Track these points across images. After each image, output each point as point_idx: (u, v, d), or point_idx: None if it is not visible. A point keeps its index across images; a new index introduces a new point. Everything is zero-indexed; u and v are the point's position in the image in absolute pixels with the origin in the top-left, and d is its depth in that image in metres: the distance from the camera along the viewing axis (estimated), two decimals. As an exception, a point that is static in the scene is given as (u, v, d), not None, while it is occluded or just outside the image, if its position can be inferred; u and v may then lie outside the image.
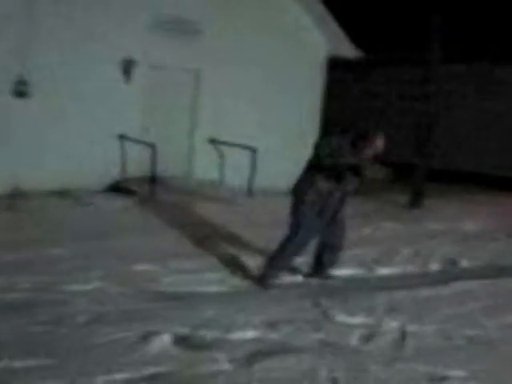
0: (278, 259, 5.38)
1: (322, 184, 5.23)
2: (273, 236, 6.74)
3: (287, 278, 5.62)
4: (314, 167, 5.21)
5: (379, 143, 5.28)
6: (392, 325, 4.53)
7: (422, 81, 10.80)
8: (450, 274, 6.26)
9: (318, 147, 5.22)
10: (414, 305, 5.10)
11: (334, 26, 11.61)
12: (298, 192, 5.31)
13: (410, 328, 4.51)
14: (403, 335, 4.35)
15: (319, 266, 5.64)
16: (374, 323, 4.55)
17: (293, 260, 5.52)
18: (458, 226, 8.75)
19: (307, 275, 5.68)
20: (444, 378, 3.67)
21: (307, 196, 5.24)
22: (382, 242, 7.38)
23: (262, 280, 5.36)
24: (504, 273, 6.38)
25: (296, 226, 5.31)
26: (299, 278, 5.67)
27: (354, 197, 9.37)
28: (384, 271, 6.17)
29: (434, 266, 6.50)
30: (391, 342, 4.23)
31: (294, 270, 5.71)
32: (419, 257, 6.77)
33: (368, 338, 4.25)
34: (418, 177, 10.37)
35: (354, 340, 4.20)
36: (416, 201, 10.24)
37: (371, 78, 17.12)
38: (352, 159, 5.15)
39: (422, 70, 10.82)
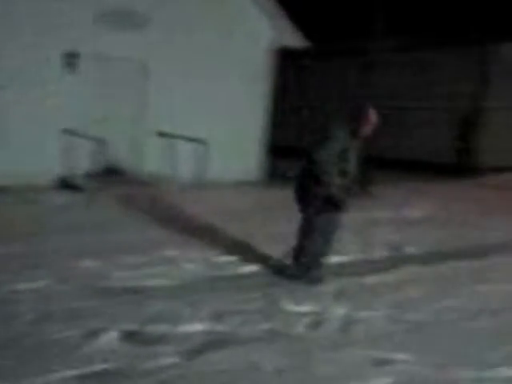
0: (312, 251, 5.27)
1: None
2: (224, 228, 6.81)
3: (236, 270, 5.67)
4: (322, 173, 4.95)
5: (373, 116, 5.12)
6: (339, 312, 4.64)
7: (364, 69, 10.96)
8: (396, 260, 6.40)
9: (322, 154, 4.90)
10: (361, 291, 5.22)
11: (281, 17, 11.66)
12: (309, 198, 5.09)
13: (357, 314, 4.62)
14: (350, 321, 4.46)
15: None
16: (321, 311, 4.64)
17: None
18: (403, 213, 8.95)
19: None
20: (388, 362, 3.79)
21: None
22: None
23: (310, 276, 5.28)
24: (447, 258, 6.57)
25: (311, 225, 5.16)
26: (247, 269, 5.72)
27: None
28: (332, 259, 6.27)
29: (380, 253, 6.64)
30: (338, 328, 4.33)
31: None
32: (366, 244, 6.90)
33: (315, 326, 4.34)
34: (365, 165, 10.50)
35: (301, 328, 4.28)
36: (363, 189, 10.39)
37: (318, 68, 17.30)
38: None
39: (366, 59, 10.97)
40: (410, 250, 6.85)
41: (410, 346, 4.06)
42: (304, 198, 5.15)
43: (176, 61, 10.55)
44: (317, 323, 4.39)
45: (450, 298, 5.14)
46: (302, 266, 5.32)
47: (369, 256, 6.53)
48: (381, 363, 3.76)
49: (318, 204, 5.06)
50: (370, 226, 7.90)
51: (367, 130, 5.15)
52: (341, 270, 5.88)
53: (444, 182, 12.82)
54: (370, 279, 5.62)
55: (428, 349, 4.04)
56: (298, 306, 4.72)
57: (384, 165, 12.94)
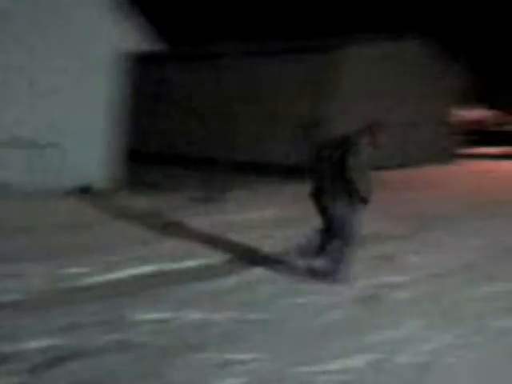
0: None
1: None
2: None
3: (86, 281, 5.51)
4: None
5: (380, 129, 5.85)
6: (189, 316, 4.66)
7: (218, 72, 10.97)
8: (250, 261, 6.50)
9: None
10: (212, 295, 5.26)
11: (136, 19, 11.42)
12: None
13: (207, 317, 4.65)
14: (200, 325, 4.49)
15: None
16: (170, 317, 4.63)
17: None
18: (258, 215, 9.11)
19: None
20: (239, 362, 3.85)
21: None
22: (185, 236, 7.49)
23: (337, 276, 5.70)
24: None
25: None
26: (92, 280, 5.57)
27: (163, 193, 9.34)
28: (188, 264, 6.29)
29: (234, 255, 6.70)
30: (188, 333, 4.35)
31: None
32: (220, 247, 6.96)
33: (165, 332, 4.33)
34: (217, 169, 10.61)
35: (151, 335, 4.25)
36: (217, 193, 10.43)
37: (172, 70, 17.24)
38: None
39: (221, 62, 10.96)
40: (265, 250, 6.95)
41: (260, 345, 4.16)
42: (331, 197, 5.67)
43: (19, 62, 9.96)
44: (166, 330, 4.38)
45: (297, 296, 5.32)
46: (334, 263, 5.75)
47: (223, 259, 6.56)
48: (232, 364, 3.82)
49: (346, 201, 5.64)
50: (226, 230, 7.95)
51: (380, 139, 5.79)
52: (194, 275, 5.90)
53: (293, 184, 13.20)
54: (223, 282, 5.69)
55: (277, 347, 4.16)
56: (147, 314, 4.67)
57: (239, 168, 13.11)
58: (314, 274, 5.89)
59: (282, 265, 6.32)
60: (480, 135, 23.27)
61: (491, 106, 27.27)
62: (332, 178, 5.65)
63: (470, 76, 19.70)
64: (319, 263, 5.89)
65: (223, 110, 14.70)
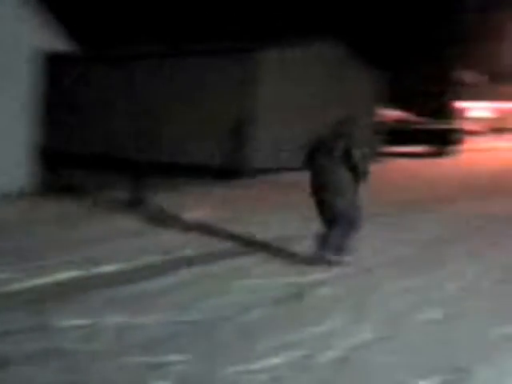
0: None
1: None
2: None
3: (8, 287, 5.37)
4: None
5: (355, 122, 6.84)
6: (113, 320, 4.64)
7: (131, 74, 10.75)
8: (172, 263, 6.51)
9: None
10: (136, 298, 5.25)
11: (51, 20, 11.11)
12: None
13: (133, 321, 4.65)
14: (125, 329, 4.48)
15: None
16: (94, 322, 4.60)
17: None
18: (181, 217, 9.10)
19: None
20: (165, 364, 3.88)
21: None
22: (103, 239, 7.39)
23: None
24: (220, 257, 6.84)
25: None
26: (18, 285, 5.43)
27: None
28: (107, 268, 6.21)
29: (155, 258, 6.67)
30: (113, 337, 4.33)
31: None
32: (141, 251, 6.91)
33: (89, 338, 4.29)
34: (139, 172, 10.43)
35: (74, 342, 4.20)
36: (138, 196, 10.28)
37: (92, 73, 16.93)
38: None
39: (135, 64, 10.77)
40: (188, 252, 6.99)
41: (187, 346, 4.20)
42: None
43: None
44: (91, 335, 4.35)
45: (224, 295, 5.38)
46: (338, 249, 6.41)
47: (144, 262, 6.53)
48: (158, 367, 3.84)
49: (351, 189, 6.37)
50: (147, 232, 7.94)
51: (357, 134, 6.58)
52: (116, 279, 5.86)
53: (220, 185, 13.27)
54: (145, 285, 5.67)
55: (205, 348, 4.22)
56: (70, 320, 4.62)
57: (165, 170, 13.04)
58: (322, 260, 6.38)
59: (213, 265, 6.38)
60: (402, 134, 23.97)
61: (403, 108, 28.93)
62: (335, 173, 6.26)
63: (384, 79, 20.49)
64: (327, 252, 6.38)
65: (147, 112, 14.54)
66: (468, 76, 46.43)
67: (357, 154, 6.22)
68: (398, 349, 4.28)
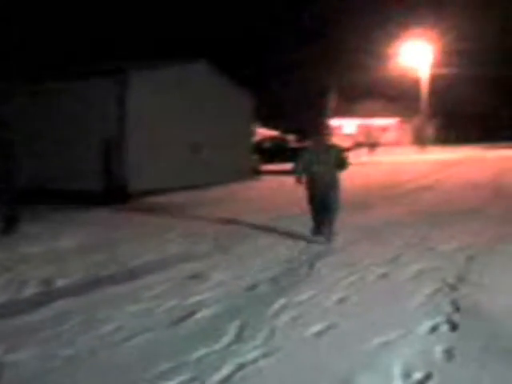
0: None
1: None
2: None
3: None
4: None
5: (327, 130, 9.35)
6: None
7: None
8: (47, 295, 6.12)
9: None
10: (9, 333, 4.88)
11: None
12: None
13: (7, 358, 4.32)
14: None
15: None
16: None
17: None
18: (54, 246, 8.64)
19: None
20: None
21: None
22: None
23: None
24: (103, 283, 6.54)
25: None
26: None
27: None
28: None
29: (30, 291, 6.27)
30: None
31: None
32: (13, 283, 6.49)
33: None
34: (6, 200, 9.82)
35: None
36: (9, 226, 9.71)
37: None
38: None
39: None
40: (61, 282, 6.61)
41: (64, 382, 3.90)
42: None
43: None
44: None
45: (105, 325, 5.09)
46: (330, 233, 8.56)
47: (16, 295, 6.11)
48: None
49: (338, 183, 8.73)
50: (18, 264, 7.44)
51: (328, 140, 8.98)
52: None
53: (95, 210, 12.84)
54: (20, 319, 5.29)
55: (84, 381, 3.94)
56: None
57: (31, 197, 12.42)
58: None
59: (93, 294, 6.07)
60: (278, 152, 24.50)
61: (272, 127, 30.52)
62: (328, 173, 8.43)
63: (257, 98, 21.02)
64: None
65: (28, 143, 13.71)
66: (330, 96, 49.06)
67: (345, 156, 8.64)
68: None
